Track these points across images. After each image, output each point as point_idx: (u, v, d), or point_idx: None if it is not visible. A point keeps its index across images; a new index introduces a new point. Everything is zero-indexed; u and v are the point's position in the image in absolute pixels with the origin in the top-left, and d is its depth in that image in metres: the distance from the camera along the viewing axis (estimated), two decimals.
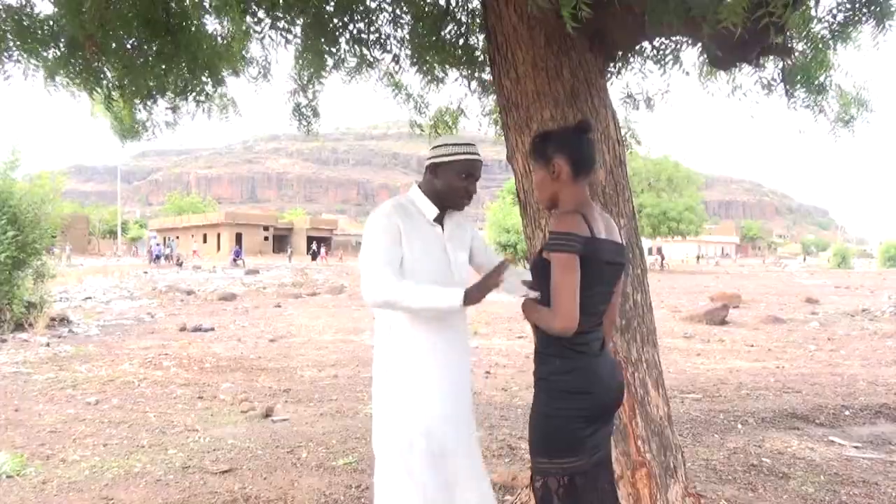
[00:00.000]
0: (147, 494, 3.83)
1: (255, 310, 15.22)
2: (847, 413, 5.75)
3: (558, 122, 3.01)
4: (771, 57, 4.09)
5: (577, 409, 1.97)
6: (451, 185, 2.37)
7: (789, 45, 3.87)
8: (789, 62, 4.23)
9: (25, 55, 3.80)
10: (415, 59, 4.51)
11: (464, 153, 2.37)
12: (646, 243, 54.10)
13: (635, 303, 2.95)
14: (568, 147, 2.06)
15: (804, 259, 70.36)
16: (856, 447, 4.75)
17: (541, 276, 2.02)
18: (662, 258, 47.43)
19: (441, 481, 2.33)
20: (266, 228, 60.22)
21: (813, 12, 3.74)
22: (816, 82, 4.35)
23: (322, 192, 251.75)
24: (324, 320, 13.10)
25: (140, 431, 5.06)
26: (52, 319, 11.15)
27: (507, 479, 3.92)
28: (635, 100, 5.11)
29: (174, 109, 5.08)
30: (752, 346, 10.02)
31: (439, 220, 2.44)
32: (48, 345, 9.32)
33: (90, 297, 16.82)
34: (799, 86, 4.35)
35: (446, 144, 2.39)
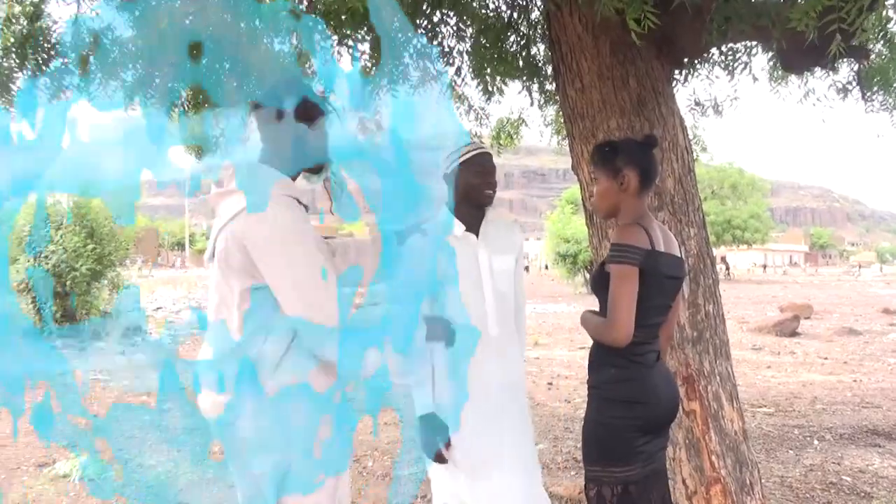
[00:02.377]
0: (220, 499, 3.93)
1: None
2: None
3: (625, 132, 2.98)
4: (846, 60, 3.96)
5: (632, 418, 1.98)
6: (470, 184, 2.38)
7: (865, 48, 3.74)
8: (865, 64, 4.09)
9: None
10: (477, 72, 4.54)
11: (469, 150, 2.41)
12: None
13: (707, 314, 2.89)
14: (638, 160, 2.06)
15: (881, 268, 67.19)
16: None
17: (601, 287, 2.03)
18: (727, 267, 46.14)
19: (483, 494, 2.34)
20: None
21: (891, 13, 3.60)
22: (894, 84, 4.19)
23: None
24: None
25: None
26: (127, 329, 11.59)
27: (573, 493, 3.87)
28: (703, 107, 5.02)
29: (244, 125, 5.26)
30: (826, 358, 9.63)
31: (473, 229, 2.43)
32: (123, 353, 9.69)
33: (161, 308, 17.44)
34: (876, 88, 4.20)
35: (450, 152, 2.42)
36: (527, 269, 51.09)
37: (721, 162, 41.99)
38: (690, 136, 6.88)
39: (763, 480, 4.13)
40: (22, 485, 4.16)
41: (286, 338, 1.72)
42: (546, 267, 48.94)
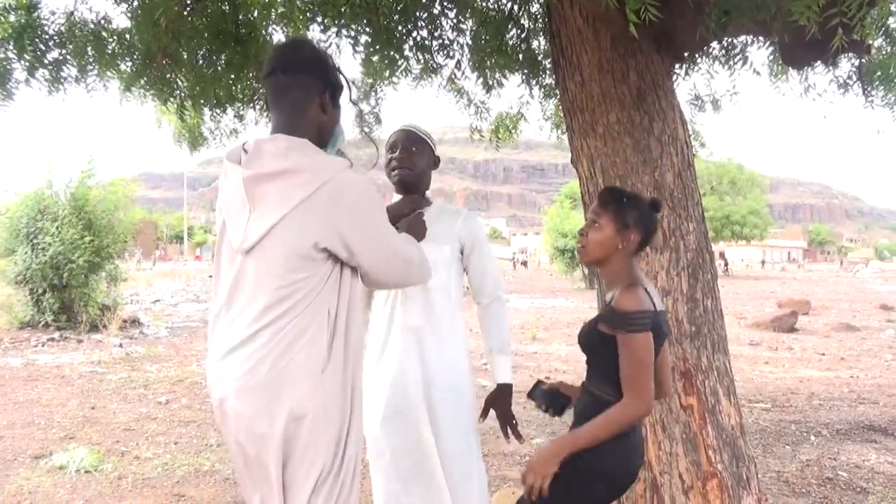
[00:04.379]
0: (216, 492, 3.93)
1: None
2: None
3: (625, 126, 2.97)
4: (846, 55, 3.95)
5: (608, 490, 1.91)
6: (386, 165, 2.42)
7: (866, 42, 3.73)
8: (866, 59, 4.08)
9: (103, 68, 3.98)
10: (477, 65, 4.52)
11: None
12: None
13: (706, 309, 2.88)
14: (646, 224, 1.97)
15: (865, 264, 67.05)
16: None
17: (596, 348, 1.93)
18: (726, 263, 46.16)
19: (393, 485, 2.35)
20: None
21: (893, 7, 3.59)
22: (895, 80, 4.18)
23: (379, 198, 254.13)
24: None
25: (208, 431, 5.21)
26: (125, 321, 11.59)
27: None
28: (702, 101, 5.01)
29: (241, 118, 5.24)
30: (824, 354, 9.65)
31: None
32: (121, 346, 9.69)
33: (159, 300, 17.43)
34: (877, 83, 4.19)
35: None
36: (525, 263, 51.07)
37: (720, 157, 42.00)
38: (690, 132, 6.88)
39: (760, 475, 4.13)
40: (18, 476, 4.15)
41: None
42: (538, 263, 48.89)
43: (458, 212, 2.51)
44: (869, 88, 4.18)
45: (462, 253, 2.43)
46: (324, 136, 1.77)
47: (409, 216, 2.26)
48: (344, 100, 1.85)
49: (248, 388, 1.60)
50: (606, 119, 3.01)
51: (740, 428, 2.87)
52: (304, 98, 1.72)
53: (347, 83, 1.84)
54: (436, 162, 2.55)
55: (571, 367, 8.43)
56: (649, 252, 2.90)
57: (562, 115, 4.05)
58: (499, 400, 2.44)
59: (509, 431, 2.46)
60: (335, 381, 1.64)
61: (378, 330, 2.42)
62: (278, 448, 1.60)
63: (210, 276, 26.59)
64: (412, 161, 2.40)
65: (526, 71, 4.69)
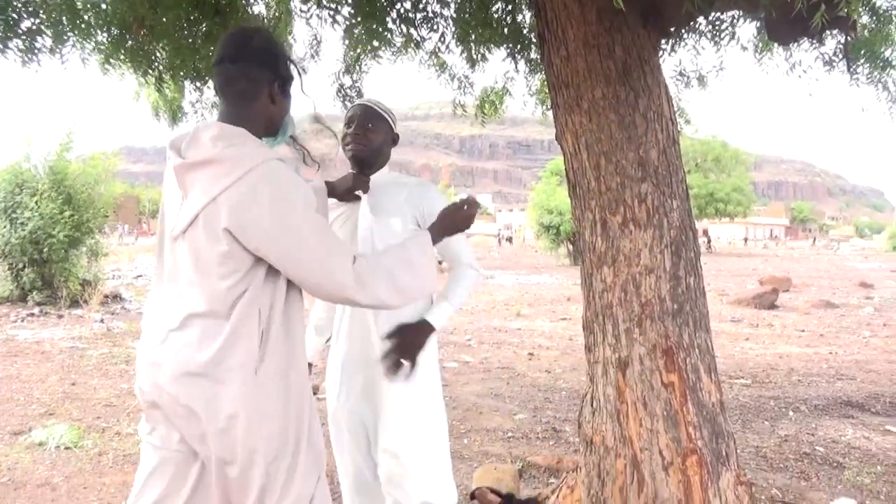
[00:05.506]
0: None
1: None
2: None
3: (610, 101, 2.94)
4: (833, 32, 3.93)
5: None
6: (342, 140, 2.40)
7: (852, 19, 3.71)
8: (852, 36, 4.06)
9: (80, 39, 3.87)
10: (461, 38, 4.46)
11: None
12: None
13: (688, 286, 2.88)
14: None
15: (838, 244, 67.75)
16: None
17: None
18: (709, 240, 46.49)
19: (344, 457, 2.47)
20: None
21: None
22: (881, 57, 4.16)
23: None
24: None
25: None
26: (106, 296, 11.48)
27: (551, 462, 3.90)
28: (687, 77, 4.98)
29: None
30: (803, 331, 9.77)
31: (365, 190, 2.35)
32: (102, 321, 9.61)
33: (141, 275, 17.29)
34: (862, 61, 4.17)
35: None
36: (510, 240, 51.15)
37: (705, 135, 42.07)
38: (675, 108, 6.85)
39: (739, 450, 4.18)
40: None
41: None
42: (524, 240, 48.94)
43: (406, 182, 2.43)
44: (854, 66, 4.16)
45: (419, 226, 2.33)
46: (272, 126, 1.77)
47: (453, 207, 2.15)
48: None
49: (186, 376, 1.58)
50: (592, 94, 2.97)
51: (720, 405, 2.89)
52: (252, 89, 1.71)
53: (299, 73, 1.84)
54: (394, 139, 2.48)
55: (555, 344, 8.48)
56: (633, 229, 2.89)
57: (547, 90, 4.01)
58: (412, 332, 2.27)
59: (393, 364, 2.22)
60: (271, 380, 1.62)
61: (337, 309, 2.44)
62: (216, 443, 1.60)
63: None
64: (367, 137, 2.36)
65: (511, 45, 4.63)
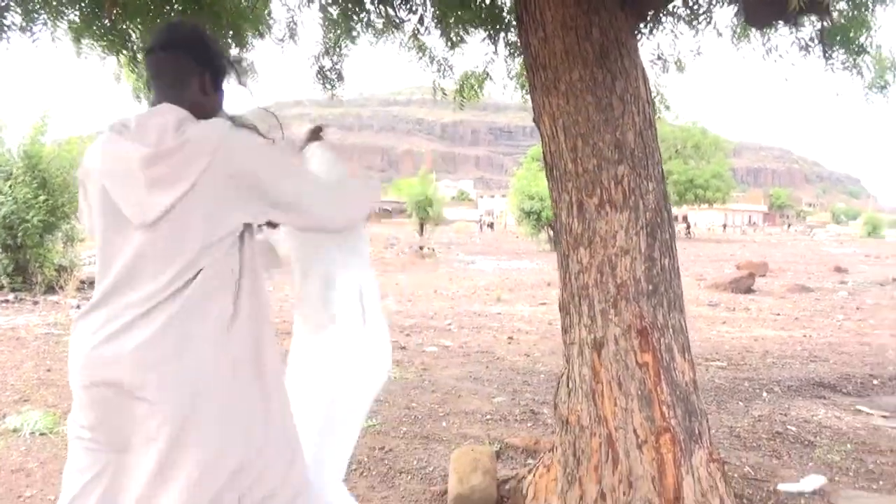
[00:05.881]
0: None
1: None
2: (875, 382, 5.69)
3: (587, 83, 2.94)
4: (810, 16, 3.96)
5: None
6: None
7: (825, 2, 3.74)
8: (828, 21, 4.09)
9: (51, 17, 3.80)
10: (440, 20, 4.44)
11: None
12: (672, 211, 53.74)
13: (663, 267, 2.91)
14: None
15: (811, 231, 68.66)
16: (884, 416, 4.70)
17: None
18: (688, 226, 46.92)
19: None
20: None
21: None
22: (856, 43, 4.21)
23: (346, 159, 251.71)
24: None
25: None
26: (82, 282, 11.34)
27: (529, 444, 3.93)
28: (665, 62, 5.00)
29: None
30: (779, 314, 9.92)
31: None
32: (78, 307, 9.50)
33: None
34: (837, 46, 4.21)
35: None
36: (491, 226, 51.22)
37: (685, 122, 42.31)
38: (654, 93, 6.89)
39: (712, 430, 4.24)
40: None
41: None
42: (505, 225, 48.99)
43: None
44: (830, 51, 4.20)
45: None
46: (205, 117, 1.73)
47: None
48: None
49: (153, 362, 1.56)
50: (569, 76, 2.98)
51: (693, 384, 2.93)
52: (181, 76, 1.73)
53: (234, 68, 1.86)
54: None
55: (534, 328, 8.53)
56: (609, 211, 2.91)
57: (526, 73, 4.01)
58: None
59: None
60: (243, 335, 1.66)
61: None
62: (183, 417, 1.58)
63: None
64: None
65: (490, 27, 4.62)
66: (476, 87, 6.08)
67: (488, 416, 4.60)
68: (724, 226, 70.78)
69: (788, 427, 4.40)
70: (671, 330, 2.88)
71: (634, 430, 2.77)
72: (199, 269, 1.60)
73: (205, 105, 1.76)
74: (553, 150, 3.10)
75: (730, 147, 51.12)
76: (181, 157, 1.58)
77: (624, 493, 2.75)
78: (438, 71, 5.37)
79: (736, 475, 3.55)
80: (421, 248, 22.82)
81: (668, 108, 6.86)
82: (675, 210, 50.98)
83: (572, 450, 2.94)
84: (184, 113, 1.65)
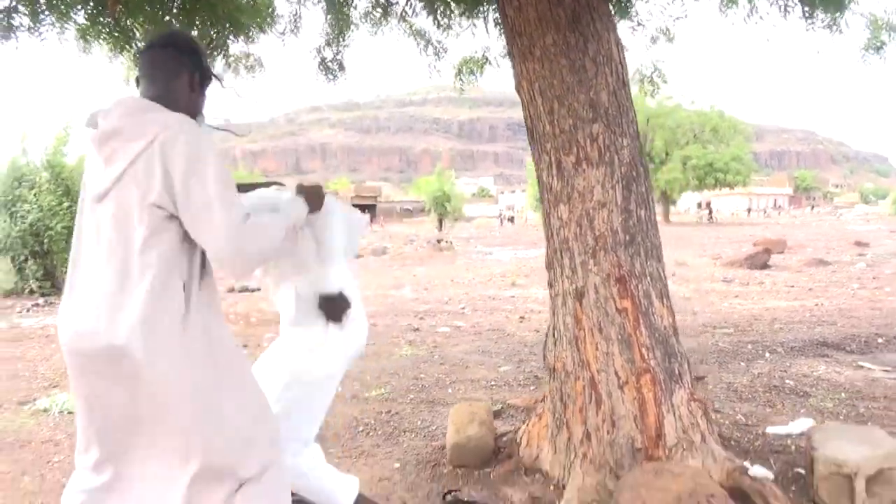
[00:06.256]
0: None
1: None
2: (880, 341, 5.73)
3: (560, 48, 3.08)
4: None
5: None
6: None
7: None
8: None
9: (57, 17, 4.02)
10: (426, 1, 4.60)
11: None
12: (693, 197, 53.01)
13: (639, 218, 3.04)
14: None
15: (838, 212, 67.58)
16: (884, 370, 4.76)
17: None
18: (710, 212, 46.55)
19: None
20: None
21: None
22: (835, 1, 4.28)
23: (365, 161, 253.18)
24: (366, 278, 13.40)
25: None
26: None
27: (529, 403, 4.08)
28: (653, 34, 5.11)
29: None
30: (793, 287, 9.91)
31: None
32: None
33: None
34: (817, 4, 4.29)
35: None
36: (511, 220, 51.23)
37: (702, 106, 41.96)
38: (652, 68, 6.98)
39: (710, 386, 4.38)
40: (3, 419, 4.33)
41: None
42: (525, 220, 48.82)
43: None
44: (809, 10, 4.29)
45: None
46: (189, 113, 1.86)
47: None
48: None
49: (125, 333, 1.65)
50: (543, 41, 3.12)
51: (673, 328, 3.06)
52: (175, 69, 1.92)
53: (217, 77, 2.08)
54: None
55: (545, 308, 8.63)
56: (586, 168, 3.05)
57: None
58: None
59: None
60: (195, 332, 1.75)
61: None
62: (163, 393, 1.70)
63: None
64: None
65: (470, 4, 4.75)
66: (476, 70, 6.25)
67: (493, 383, 4.76)
68: (749, 210, 70.02)
69: (786, 381, 4.48)
70: (649, 277, 3.02)
71: (616, 372, 2.92)
72: (149, 255, 1.69)
73: (189, 100, 1.93)
74: (532, 114, 3.25)
75: (750, 130, 50.50)
76: (125, 137, 1.73)
77: (608, 432, 2.90)
78: (434, 53, 5.55)
79: (727, 422, 3.67)
80: (439, 241, 23.01)
81: (665, 81, 6.96)
82: (695, 196, 50.41)
83: (559, 395, 3.09)
84: (153, 105, 1.80)
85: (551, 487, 2.98)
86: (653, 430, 2.87)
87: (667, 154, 40.62)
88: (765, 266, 12.15)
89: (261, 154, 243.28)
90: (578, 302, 3.02)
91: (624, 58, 3.30)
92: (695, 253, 16.18)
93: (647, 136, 40.40)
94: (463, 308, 8.83)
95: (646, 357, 2.91)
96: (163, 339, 1.68)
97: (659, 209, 47.39)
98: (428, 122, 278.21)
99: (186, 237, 1.74)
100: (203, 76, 2.00)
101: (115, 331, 1.65)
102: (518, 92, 3.38)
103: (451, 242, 23.09)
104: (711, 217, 45.42)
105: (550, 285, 3.25)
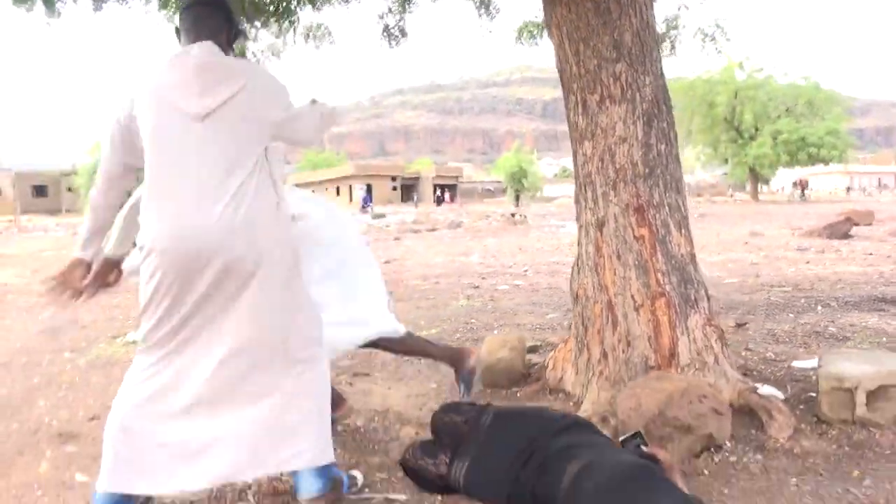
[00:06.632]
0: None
1: (375, 242, 16.17)
2: None
3: None
4: None
5: None
6: None
7: None
8: None
9: None
10: None
11: None
12: (786, 174, 50.36)
13: (659, 153, 3.18)
14: None
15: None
16: None
17: None
18: (803, 189, 44.37)
19: None
20: (394, 179, 62.18)
21: None
22: None
23: (448, 142, 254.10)
24: (438, 248, 13.78)
25: None
26: None
27: (565, 339, 4.28)
28: None
29: (280, 31, 5.63)
30: (871, 254, 9.57)
31: None
32: None
33: None
34: None
35: None
36: None
37: (796, 79, 39.89)
38: (713, 26, 6.95)
39: (751, 333, 4.44)
40: (97, 348, 4.90)
41: None
42: None
43: None
44: None
45: None
46: None
47: None
48: None
49: (232, 230, 1.96)
50: None
51: (690, 256, 3.20)
52: (217, 26, 2.22)
53: (245, 35, 2.43)
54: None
55: None
56: (609, 105, 3.22)
57: None
58: None
59: None
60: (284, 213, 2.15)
61: None
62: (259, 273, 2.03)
63: None
64: None
65: None
66: (536, 34, 6.44)
67: (537, 327, 4.99)
68: (848, 189, 66.24)
69: (829, 328, 4.49)
70: (667, 207, 3.17)
71: (632, 296, 3.10)
72: (248, 158, 2.04)
73: (226, 53, 2.27)
74: (561, 57, 3.44)
75: (850, 103, 47.67)
76: (220, 72, 2.08)
77: (623, 352, 3.09)
78: (487, 14, 5.77)
79: (755, 358, 3.77)
80: (513, 215, 23.14)
81: (728, 39, 6.89)
82: (787, 172, 47.91)
83: (580, 319, 3.30)
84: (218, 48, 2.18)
85: (571, 405, 3.20)
86: (666, 350, 3.04)
87: (756, 129, 38.88)
88: (846, 236, 11.71)
89: (347, 136, 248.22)
90: (599, 231, 3.21)
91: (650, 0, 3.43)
92: (775, 226, 15.70)
93: (735, 110, 38.88)
94: (525, 270, 9.03)
95: (661, 282, 3.07)
96: (264, 228, 2.03)
97: (748, 187, 45.56)
98: (511, 103, 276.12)
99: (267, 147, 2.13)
100: (237, 33, 2.33)
101: (231, 224, 1.96)
102: (550, 39, 3.57)
103: (526, 217, 23.18)
104: (804, 194, 43.34)
105: (577, 219, 3.44)
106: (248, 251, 1.99)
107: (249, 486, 2.40)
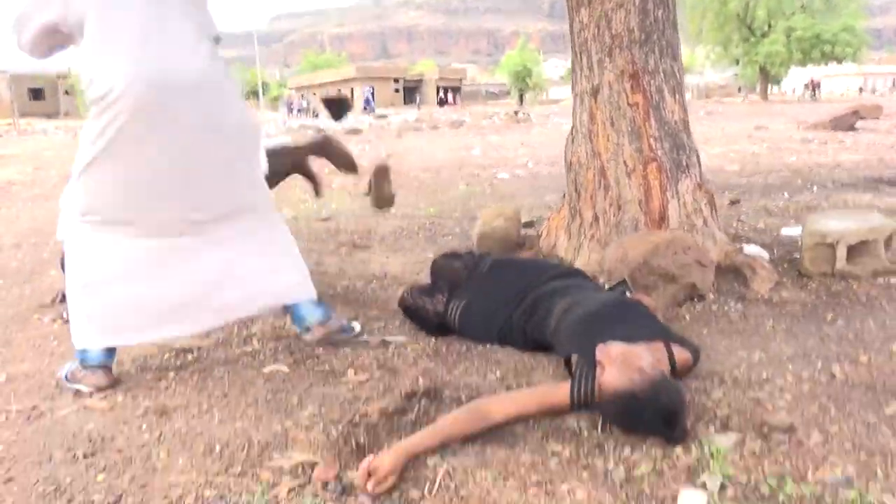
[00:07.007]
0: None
1: (377, 139, 16.08)
2: None
3: None
4: None
5: None
6: None
7: None
8: None
9: None
10: None
11: None
12: (799, 73, 49.02)
13: (656, 18, 3.15)
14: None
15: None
16: None
17: None
18: (814, 89, 43.33)
19: None
20: (396, 80, 60.82)
21: None
22: None
23: (453, 44, 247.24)
24: (440, 143, 13.70)
25: None
26: None
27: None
28: None
29: None
30: (875, 143, 9.51)
31: None
32: None
33: None
34: None
35: None
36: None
37: None
38: None
39: (743, 207, 4.52)
40: None
41: None
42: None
43: None
44: None
45: None
46: None
47: None
48: None
49: (211, 85, 2.03)
50: None
51: (684, 123, 3.23)
52: None
53: None
54: None
55: None
56: None
57: None
58: None
59: None
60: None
61: None
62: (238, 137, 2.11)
63: (283, 122, 27.33)
64: None
65: None
66: None
67: (535, 206, 5.07)
68: (861, 89, 64.68)
69: (823, 204, 4.57)
70: (662, 74, 3.18)
71: (624, 162, 3.16)
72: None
73: None
74: None
75: (872, 2, 45.72)
76: None
77: (614, 215, 3.18)
78: None
79: (746, 227, 3.87)
80: (516, 113, 22.84)
81: None
82: (799, 72, 46.65)
83: (574, 186, 3.38)
84: None
85: None
86: (656, 213, 3.12)
87: (769, 26, 37.59)
88: (851, 128, 11.58)
89: (348, 38, 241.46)
90: (594, 98, 3.23)
91: None
92: (782, 122, 15.49)
93: (748, 6, 37.49)
94: (527, 162, 9.04)
95: (653, 147, 3.12)
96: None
97: (758, 88, 44.46)
98: (517, 2, 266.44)
99: None
100: None
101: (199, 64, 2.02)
102: None
103: (529, 115, 22.88)
104: (815, 94, 42.41)
105: (572, 88, 3.45)
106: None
107: (254, 333, 2.55)
